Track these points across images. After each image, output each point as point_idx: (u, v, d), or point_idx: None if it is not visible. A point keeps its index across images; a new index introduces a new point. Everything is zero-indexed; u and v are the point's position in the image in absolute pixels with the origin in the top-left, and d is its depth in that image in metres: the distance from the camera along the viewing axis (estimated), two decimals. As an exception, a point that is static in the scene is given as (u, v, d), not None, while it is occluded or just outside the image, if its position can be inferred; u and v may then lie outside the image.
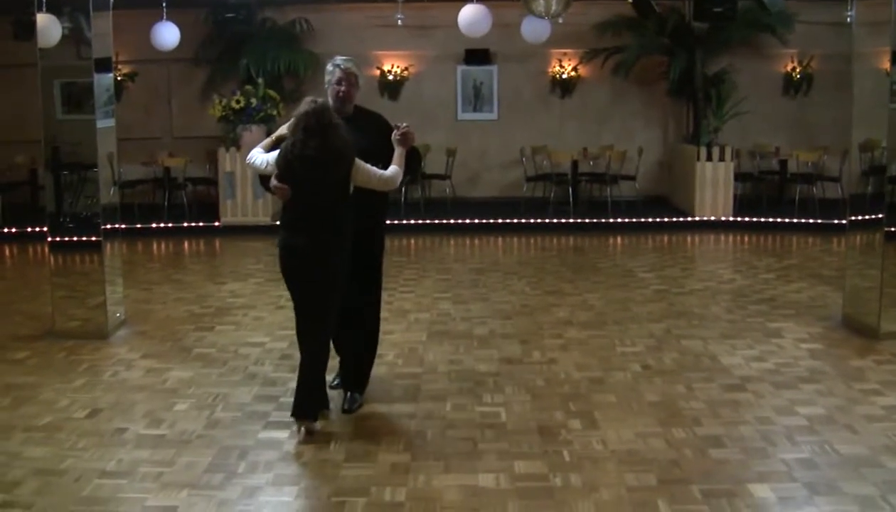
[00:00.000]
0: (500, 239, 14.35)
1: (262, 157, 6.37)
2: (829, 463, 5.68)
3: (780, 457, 5.78)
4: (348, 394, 6.77)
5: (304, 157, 6.01)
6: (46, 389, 7.20)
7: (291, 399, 6.75)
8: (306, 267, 6.20)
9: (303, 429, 6.20)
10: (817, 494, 5.24)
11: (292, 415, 6.24)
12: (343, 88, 6.50)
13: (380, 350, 8.12)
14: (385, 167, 6.32)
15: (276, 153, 6.23)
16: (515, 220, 15.05)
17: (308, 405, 6.24)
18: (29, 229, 14.09)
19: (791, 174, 16.13)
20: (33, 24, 8.70)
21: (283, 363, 7.82)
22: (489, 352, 8.13)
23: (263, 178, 6.43)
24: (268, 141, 6.54)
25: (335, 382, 6.97)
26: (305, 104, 6.10)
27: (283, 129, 6.41)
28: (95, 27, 8.70)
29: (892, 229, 8.50)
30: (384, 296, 10.15)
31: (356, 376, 6.83)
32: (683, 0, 16.05)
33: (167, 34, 13.82)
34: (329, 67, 6.59)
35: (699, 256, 13.47)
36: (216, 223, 15.17)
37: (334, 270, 6.20)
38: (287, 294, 10.26)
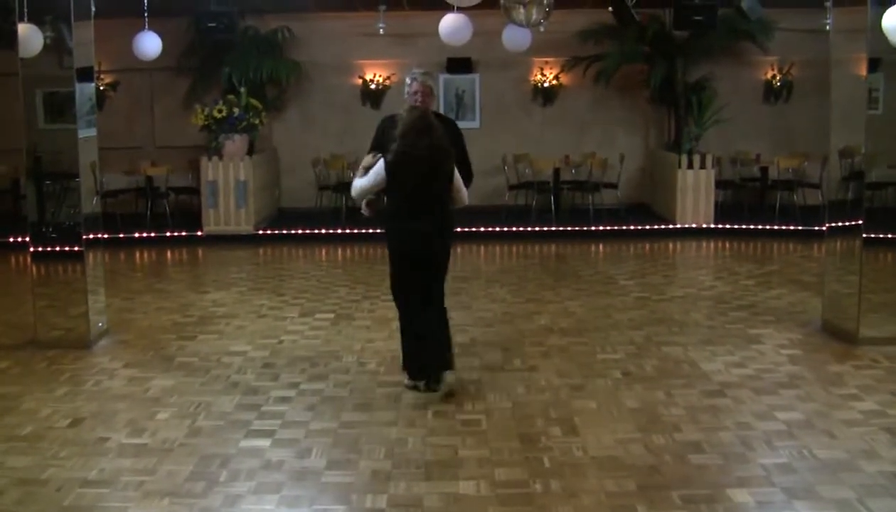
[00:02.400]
0: (482, 247, 14.36)
1: (366, 178, 7.03)
2: (808, 468, 5.72)
3: (759, 462, 5.82)
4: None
5: (418, 158, 6.78)
6: (28, 398, 7.19)
7: (273, 408, 6.84)
8: (418, 251, 7.05)
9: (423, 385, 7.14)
10: (796, 499, 5.28)
11: (413, 377, 7.19)
12: (419, 98, 7.23)
13: (361, 358, 8.22)
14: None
15: (380, 166, 6.95)
16: (497, 229, 15.07)
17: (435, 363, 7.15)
18: (11, 239, 14.03)
19: (772, 181, 16.18)
20: (14, 33, 8.69)
21: (265, 372, 7.83)
22: (470, 360, 8.14)
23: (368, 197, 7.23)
24: (366, 164, 7.13)
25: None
26: (408, 113, 6.93)
27: (368, 159, 7.16)
28: (77, 36, 8.69)
29: (871, 235, 8.55)
30: (367, 305, 10.25)
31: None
32: (664, 8, 16.12)
33: (149, 43, 13.77)
34: (407, 80, 7.38)
35: (680, 263, 13.53)
36: (199, 232, 15.13)
37: (440, 253, 7.19)
38: (269, 302, 10.44)
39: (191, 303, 10.60)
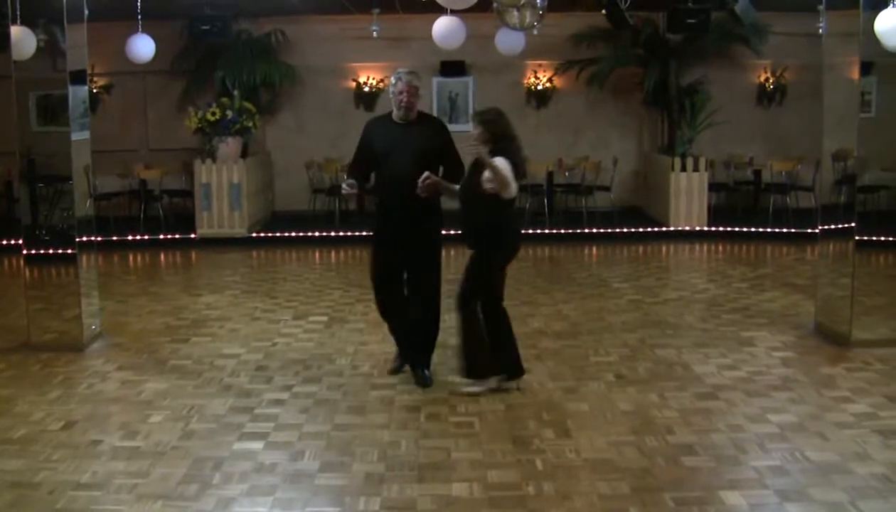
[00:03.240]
0: (476, 250, 14.31)
1: (511, 177, 7.01)
2: (800, 470, 5.73)
3: (752, 464, 5.83)
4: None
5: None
6: (21, 401, 7.18)
7: (266, 410, 6.84)
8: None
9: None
10: (788, 501, 5.29)
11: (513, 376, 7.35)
12: (404, 99, 7.29)
13: (355, 361, 8.22)
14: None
15: (508, 164, 6.97)
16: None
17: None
18: (4, 242, 14.01)
19: (765, 184, 16.21)
20: (7, 36, 8.68)
21: (258, 375, 7.83)
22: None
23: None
24: (484, 155, 7.00)
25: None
26: (494, 113, 7.39)
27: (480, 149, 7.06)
28: (70, 39, 8.68)
29: (864, 238, 8.57)
30: (360, 307, 10.25)
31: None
32: (657, 12, 16.14)
33: (143, 46, 13.75)
34: (392, 80, 7.40)
35: (674, 266, 13.55)
36: (192, 235, 15.13)
37: None
38: (262, 305, 10.45)
39: (184, 306, 10.59)
